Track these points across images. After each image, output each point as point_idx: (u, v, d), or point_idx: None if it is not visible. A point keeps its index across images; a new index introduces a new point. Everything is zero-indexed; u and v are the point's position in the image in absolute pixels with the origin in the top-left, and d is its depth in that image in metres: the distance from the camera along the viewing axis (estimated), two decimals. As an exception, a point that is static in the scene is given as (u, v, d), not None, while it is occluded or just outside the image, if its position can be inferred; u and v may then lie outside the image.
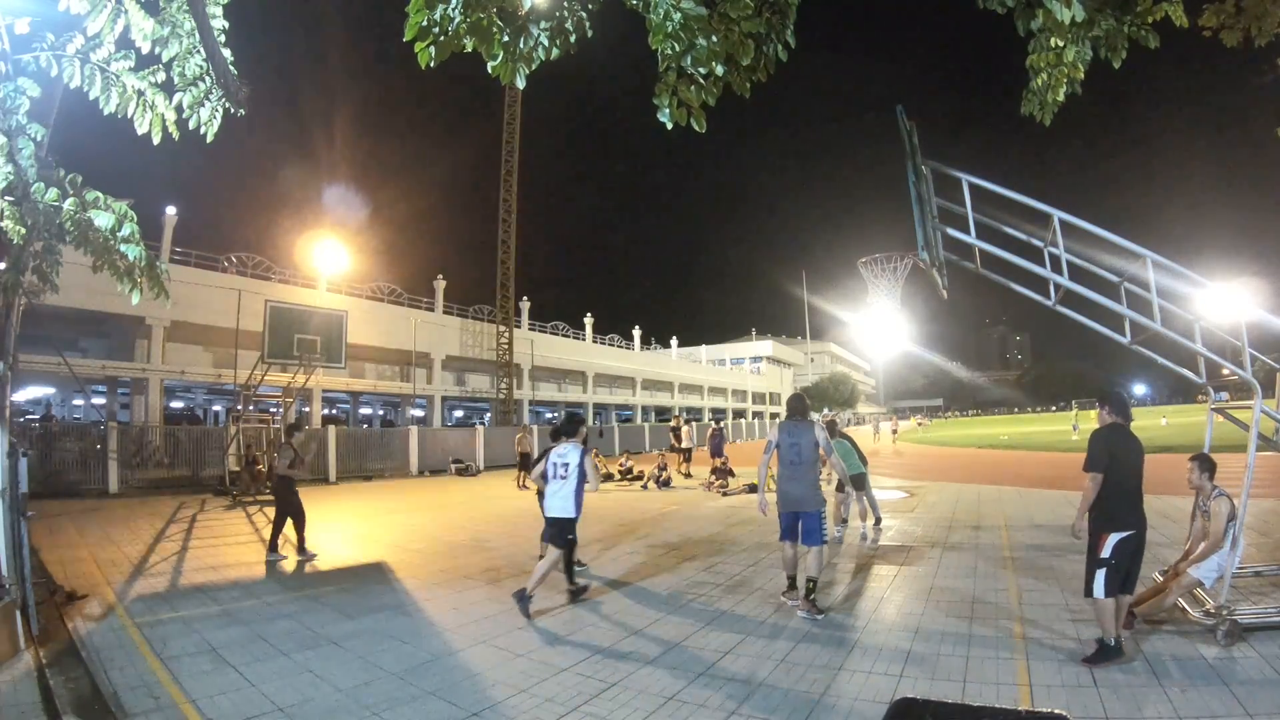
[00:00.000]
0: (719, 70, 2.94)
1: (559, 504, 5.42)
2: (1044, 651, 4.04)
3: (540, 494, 5.79)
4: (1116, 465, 3.85)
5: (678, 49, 2.69)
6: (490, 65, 2.90)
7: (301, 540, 7.79)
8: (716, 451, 15.97)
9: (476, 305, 33.43)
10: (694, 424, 35.70)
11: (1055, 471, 14.58)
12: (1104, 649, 3.78)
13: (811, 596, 5.00)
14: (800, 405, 5.53)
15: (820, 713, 3.38)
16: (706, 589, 5.91)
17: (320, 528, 10.22)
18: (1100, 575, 3.80)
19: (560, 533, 5.44)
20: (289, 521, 7.80)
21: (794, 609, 5.06)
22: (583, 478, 5.46)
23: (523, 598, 5.21)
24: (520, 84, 3.01)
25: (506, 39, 2.84)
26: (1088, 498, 3.90)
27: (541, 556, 5.74)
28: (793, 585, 5.27)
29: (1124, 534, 3.81)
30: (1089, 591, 3.85)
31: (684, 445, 18.90)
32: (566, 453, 5.52)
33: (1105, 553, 3.80)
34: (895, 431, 37.64)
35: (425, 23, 2.67)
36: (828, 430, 7.25)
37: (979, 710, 2.05)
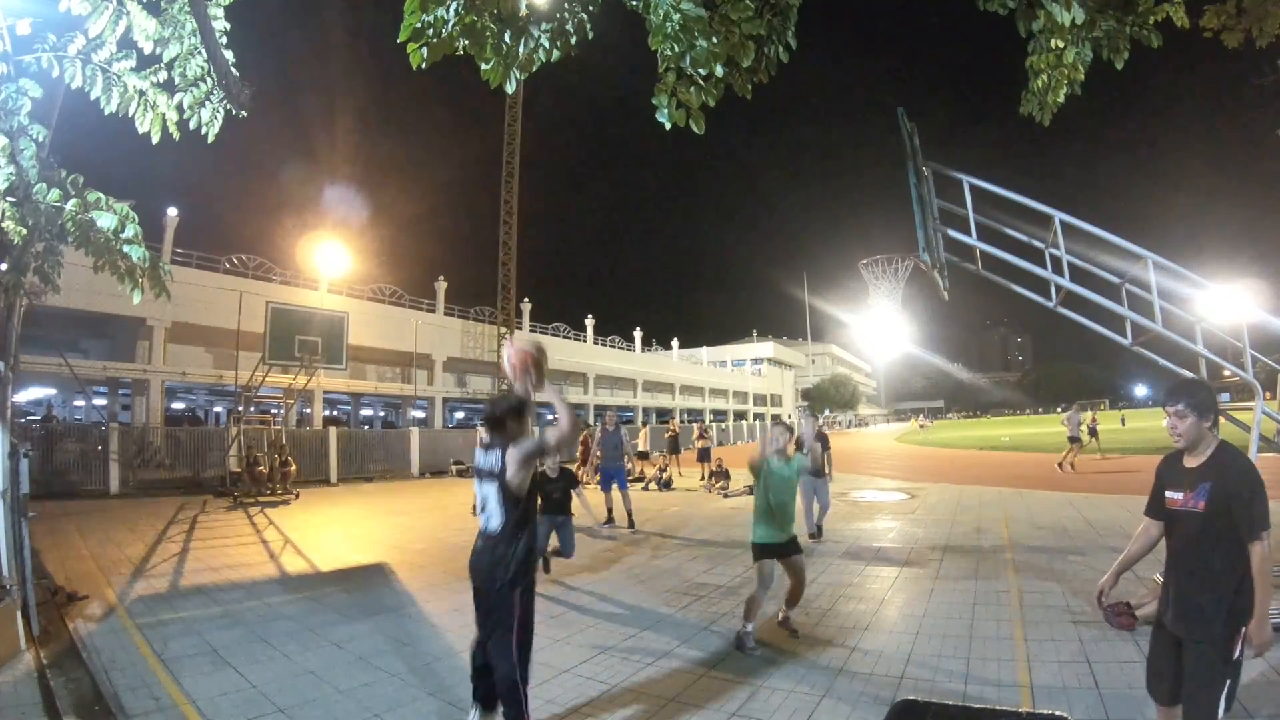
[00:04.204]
0: (719, 72, 2.94)
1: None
2: (1045, 653, 4.04)
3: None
4: None
5: (677, 50, 2.68)
6: (482, 68, 2.90)
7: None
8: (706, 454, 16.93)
9: (478, 307, 33.34)
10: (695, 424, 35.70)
11: (1056, 474, 14.55)
12: None
13: (631, 521, 9.32)
14: (615, 420, 10.52)
15: (822, 714, 3.38)
16: (709, 590, 5.91)
17: (321, 529, 10.24)
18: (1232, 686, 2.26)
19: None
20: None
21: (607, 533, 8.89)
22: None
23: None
24: (510, 88, 3.01)
25: (504, 42, 2.84)
26: (1267, 576, 2.21)
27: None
28: (610, 519, 9.47)
29: None
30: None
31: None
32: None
33: (1238, 651, 2.25)
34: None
35: (419, 25, 2.67)
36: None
37: (980, 712, 2.05)
